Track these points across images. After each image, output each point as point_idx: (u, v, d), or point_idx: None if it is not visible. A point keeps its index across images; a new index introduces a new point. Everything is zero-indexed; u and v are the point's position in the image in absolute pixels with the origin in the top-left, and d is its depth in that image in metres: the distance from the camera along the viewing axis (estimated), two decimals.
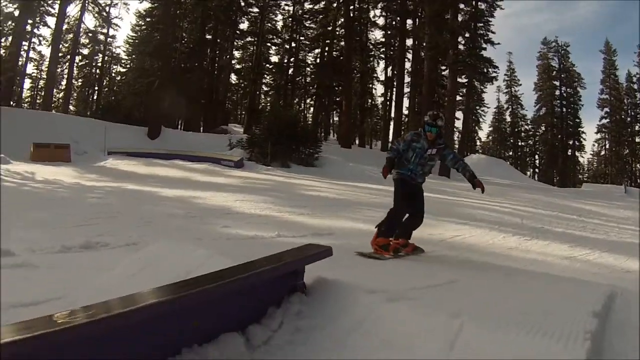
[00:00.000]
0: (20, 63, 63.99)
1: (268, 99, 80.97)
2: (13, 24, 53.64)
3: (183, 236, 9.57)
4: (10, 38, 53.90)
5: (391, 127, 71.30)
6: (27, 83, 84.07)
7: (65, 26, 68.96)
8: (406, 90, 72.49)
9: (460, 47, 58.32)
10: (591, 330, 4.37)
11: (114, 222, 12.93)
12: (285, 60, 78.17)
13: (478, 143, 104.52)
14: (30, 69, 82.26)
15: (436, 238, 12.28)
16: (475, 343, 4.10)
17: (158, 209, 16.05)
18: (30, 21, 62.57)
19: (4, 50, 51.06)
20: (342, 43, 70.25)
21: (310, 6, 73.68)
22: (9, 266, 7.59)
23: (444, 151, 10.15)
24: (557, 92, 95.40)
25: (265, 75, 77.60)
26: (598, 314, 4.88)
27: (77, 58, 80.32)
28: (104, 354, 3.57)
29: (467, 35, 58.27)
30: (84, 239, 9.65)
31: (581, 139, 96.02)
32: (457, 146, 64.60)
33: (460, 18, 57.88)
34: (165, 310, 4.03)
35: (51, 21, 64.75)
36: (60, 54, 69.09)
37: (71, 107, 78.31)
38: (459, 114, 69.49)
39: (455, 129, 70.11)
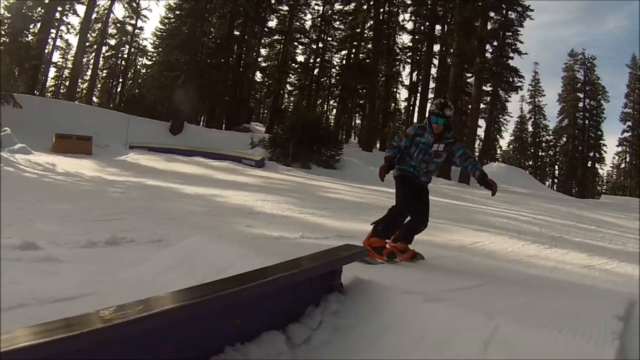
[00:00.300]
0: (46, 51, 64.20)
1: (291, 99, 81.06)
2: (42, 10, 53.68)
3: (207, 235, 9.41)
4: (39, 25, 53.90)
5: None
6: (52, 72, 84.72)
7: (94, 15, 69.40)
8: (430, 95, 72.05)
9: (488, 55, 58.19)
10: (618, 331, 4.52)
11: (137, 217, 13.06)
12: (311, 61, 78.08)
13: (499, 151, 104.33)
14: (56, 57, 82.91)
15: (456, 244, 12.32)
16: (510, 343, 4.18)
17: (180, 206, 16.25)
18: (59, 8, 62.83)
19: (31, 37, 51.09)
20: (370, 46, 70.15)
21: (340, 7, 73.55)
22: (34, 259, 7.59)
23: (453, 146, 8.92)
24: (581, 104, 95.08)
25: (290, 75, 77.53)
26: (622, 318, 5.03)
27: (104, 48, 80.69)
28: (149, 351, 3.63)
29: (495, 43, 58.13)
30: (109, 234, 9.64)
31: (602, 152, 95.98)
32: (477, 154, 64.47)
33: (489, 26, 57.77)
34: (208, 309, 4.07)
35: (80, 10, 65.28)
36: (87, 43, 69.42)
37: (94, 99, 78.57)
38: (481, 122, 69.24)
39: (477, 137, 69.93)
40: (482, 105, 67.19)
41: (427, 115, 8.94)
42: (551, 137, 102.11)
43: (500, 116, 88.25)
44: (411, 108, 77.78)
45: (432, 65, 71.31)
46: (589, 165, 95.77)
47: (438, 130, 8.72)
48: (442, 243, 11.77)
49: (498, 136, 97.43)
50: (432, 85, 71.36)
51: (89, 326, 3.17)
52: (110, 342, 3.25)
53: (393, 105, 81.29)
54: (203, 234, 8.79)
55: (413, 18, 75.13)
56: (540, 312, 5.26)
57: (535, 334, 4.31)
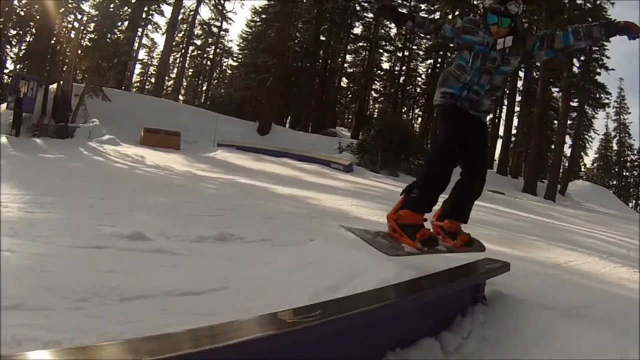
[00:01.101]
0: (132, 48, 65.97)
1: (377, 106, 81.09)
2: (129, 9, 55.35)
3: (324, 238, 9.15)
4: (126, 23, 55.38)
5: (499, 143, 70.28)
6: (137, 68, 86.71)
7: (180, 16, 70.91)
8: (517, 109, 71.64)
9: (575, 69, 57.46)
10: None
11: (237, 215, 13.23)
12: (397, 68, 77.79)
13: (582, 169, 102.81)
14: (141, 54, 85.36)
15: (552, 262, 12.24)
16: None
17: (275, 206, 16.21)
18: (145, 9, 64.73)
19: (119, 34, 52.35)
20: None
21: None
22: (146, 250, 7.82)
23: (527, 40, 6.00)
24: None
25: (376, 82, 77.47)
26: None
27: (190, 48, 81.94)
28: (328, 352, 3.78)
29: (582, 58, 57.49)
30: (216, 230, 9.75)
31: None
32: (561, 172, 63.67)
33: None
34: (378, 315, 4.27)
35: (167, 10, 68.61)
36: (173, 43, 70.95)
37: (180, 97, 79.87)
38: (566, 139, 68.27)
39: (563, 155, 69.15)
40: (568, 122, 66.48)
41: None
42: (636, 156, 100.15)
43: (585, 133, 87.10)
44: (496, 120, 77.01)
45: (518, 78, 70.73)
46: None
47: (499, 34, 5.86)
48: (539, 260, 11.86)
49: (582, 154, 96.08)
50: (517, 97, 70.83)
51: (273, 328, 3.37)
52: (287, 345, 3.40)
53: None
54: (305, 236, 8.84)
55: None
56: None
57: None
